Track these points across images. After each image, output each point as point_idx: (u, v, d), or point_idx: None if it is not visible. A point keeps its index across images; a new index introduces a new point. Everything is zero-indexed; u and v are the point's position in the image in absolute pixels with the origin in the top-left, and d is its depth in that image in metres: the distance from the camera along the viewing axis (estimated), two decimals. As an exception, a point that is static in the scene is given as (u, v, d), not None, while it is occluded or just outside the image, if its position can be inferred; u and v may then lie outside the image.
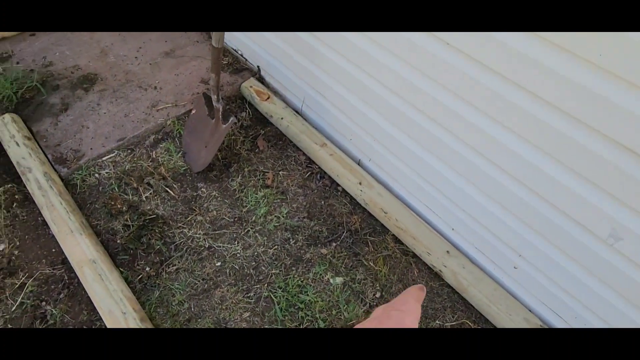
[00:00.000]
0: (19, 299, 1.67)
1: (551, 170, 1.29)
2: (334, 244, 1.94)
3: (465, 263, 1.78)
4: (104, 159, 2.09)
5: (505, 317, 1.66)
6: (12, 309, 1.65)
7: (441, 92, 1.46)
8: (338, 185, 2.11)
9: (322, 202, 2.07)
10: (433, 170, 1.70)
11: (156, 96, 2.35)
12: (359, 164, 2.10)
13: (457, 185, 1.64)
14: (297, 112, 2.31)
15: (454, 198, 1.70)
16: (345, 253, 1.91)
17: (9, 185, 1.97)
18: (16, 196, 1.94)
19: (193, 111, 2.16)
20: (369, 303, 1.78)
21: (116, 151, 2.12)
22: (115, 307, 1.59)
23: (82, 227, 1.80)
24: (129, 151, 2.13)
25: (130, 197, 1.98)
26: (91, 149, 2.10)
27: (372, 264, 1.88)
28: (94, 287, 1.64)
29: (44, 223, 1.87)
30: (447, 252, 1.80)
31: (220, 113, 2.02)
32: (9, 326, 1.61)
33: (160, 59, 2.56)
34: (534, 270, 1.57)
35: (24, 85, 2.30)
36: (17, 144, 2.03)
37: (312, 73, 2.04)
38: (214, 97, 1.99)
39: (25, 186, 1.95)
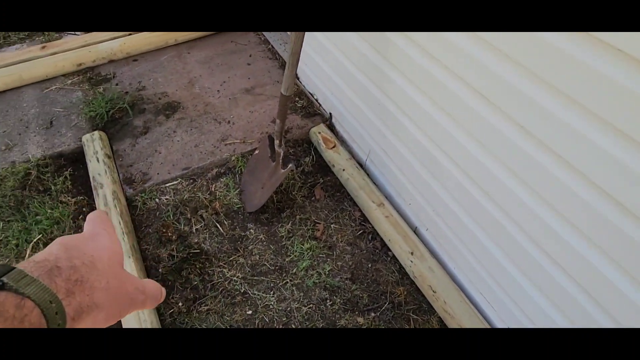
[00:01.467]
0: (62, 310, 1.75)
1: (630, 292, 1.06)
2: (373, 314, 1.80)
3: (518, 371, 1.53)
4: (167, 185, 2.17)
5: None
6: (53, 319, 1.73)
7: (518, 185, 1.28)
8: (389, 250, 1.97)
9: (369, 265, 1.95)
10: (496, 262, 1.51)
11: (227, 130, 2.43)
12: (414, 232, 1.95)
13: (522, 286, 1.43)
14: (361, 165, 2.23)
15: (515, 297, 1.49)
16: (384, 327, 1.76)
17: (81, 197, 2.12)
18: (84, 209, 2.08)
19: (256, 151, 2.18)
20: (399, 391, 1.60)
21: (179, 179, 2.20)
22: (140, 338, 1.60)
23: (132, 250, 1.86)
24: (191, 181, 2.20)
25: (182, 227, 2.02)
26: (158, 173, 2.20)
27: (410, 347, 1.70)
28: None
29: (101, 239, 1.97)
30: (498, 353, 1.57)
31: (281, 158, 2.01)
32: (47, 335, 1.69)
33: (239, 94, 2.65)
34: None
35: (116, 105, 2.50)
36: (98, 160, 2.19)
37: (379, 129, 1.97)
38: (276, 142, 1.98)
39: (94, 200, 2.08)
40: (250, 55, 2.95)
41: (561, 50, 0.99)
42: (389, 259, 1.96)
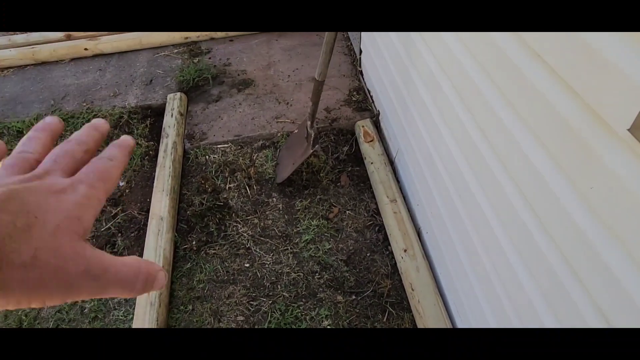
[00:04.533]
0: (109, 225, 2.17)
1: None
2: (354, 297, 1.89)
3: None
4: (218, 146, 2.50)
5: None
6: (102, 229, 2.16)
7: (498, 225, 1.27)
8: (389, 244, 2.03)
9: (367, 254, 2.03)
10: (468, 282, 1.50)
11: (283, 110, 2.68)
12: (418, 232, 1.98)
13: (482, 308, 1.41)
14: (391, 162, 2.31)
15: (476, 316, 1.47)
16: (358, 311, 1.84)
17: (152, 142, 2.56)
18: (150, 152, 2.51)
19: (295, 130, 2.39)
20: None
21: (230, 143, 2.51)
22: (152, 258, 1.92)
23: (171, 190, 2.21)
24: (239, 147, 2.50)
25: (219, 182, 2.33)
26: (214, 135, 2.54)
27: (375, 334, 1.76)
28: (150, 237, 2.01)
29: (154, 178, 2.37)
30: None
31: (312, 139, 2.19)
32: (93, 240, 2.11)
33: (306, 81, 2.89)
34: None
35: (202, 75, 2.92)
36: (172, 115, 2.61)
37: (405, 130, 2.03)
38: (308, 123, 2.17)
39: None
40: (328, 49, 3.16)
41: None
42: (387, 252, 2.02)
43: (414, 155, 1.94)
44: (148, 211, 2.20)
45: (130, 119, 2.69)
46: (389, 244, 2.04)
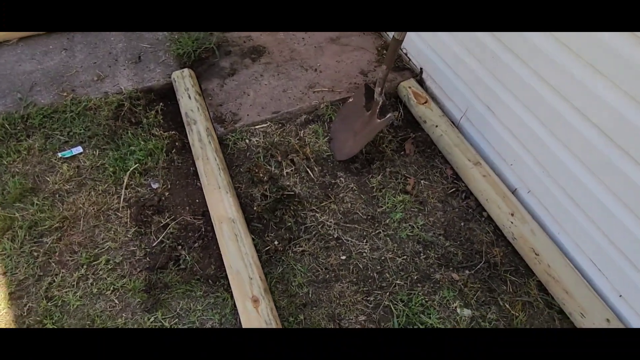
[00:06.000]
0: (161, 237, 1.78)
1: None
2: (467, 272, 1.76)
3: (628, 340, 1.49)
4: (256, 127, 2.15)
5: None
6: (154, 244, 1.77)
7: None
8: (483, 210, 1.92)
9: (462, 224, 1.90)
10: (620, 225, 1.43)
11: (315, 78, 2.37)
12: (513, 194, 1.89)
13: None
14: (453, 123, 2.16)
15: (636, 260, 1.42)
16: (479, 285, 1.73)
17: (173, 132, 2.13)
18: (176, 143, 2.09)
19: (350, 99, 2.13)
20: (496, 348, 1.58)
21: (269, 122, 2.17)
22: (244, 270, 1.61)
23: (229, 186, 1.86)
24: (280, 125, 2.18)
25: (273, 169, 2.01)
26: (247, 115, 2.18)
27: (508, 306, 1.67)
28: (229, 245, 1.68)
29: (194, 174, 1.98)
30: (607, 320, 1.52)
31: (379, 107, 1.96)
32: (148, 259, 1.72)
33: (325, 43, 2.58)
34: None
35: (202, 45, 2.47)
36: (189, 97, 2.18)
37: (483, 82, 1.88)
38: (377, 90, 1.93)
39: (185, 136, 2.08)
40: (333, 5, 2.85)
41: None
42: (483, 219, 1.91)
43: (506, 109, 1.81)
44: (204, 214, 1.85)
45: (134, 107, 2.21)
46: (483, 210, 1.93)
